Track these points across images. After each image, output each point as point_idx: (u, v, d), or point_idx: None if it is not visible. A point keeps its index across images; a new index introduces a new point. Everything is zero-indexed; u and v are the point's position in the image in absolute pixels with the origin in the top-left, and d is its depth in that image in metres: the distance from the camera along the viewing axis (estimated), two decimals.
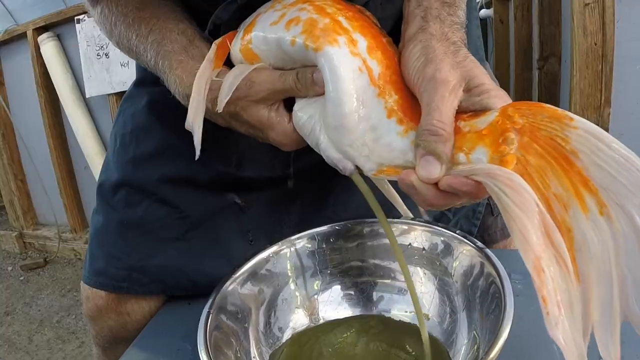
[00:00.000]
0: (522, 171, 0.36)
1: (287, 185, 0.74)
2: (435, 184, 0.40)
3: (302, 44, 0.46)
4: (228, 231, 0.74)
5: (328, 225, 0.62)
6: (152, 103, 0.73)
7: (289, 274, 0.60)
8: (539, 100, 1.93)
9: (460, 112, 0.42)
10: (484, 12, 2.61)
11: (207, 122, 0.53)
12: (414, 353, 0.53)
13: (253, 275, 0.58)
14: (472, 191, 0.39)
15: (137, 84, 0.77)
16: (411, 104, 0.44)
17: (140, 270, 0.74)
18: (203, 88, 0.51)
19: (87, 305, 0.79)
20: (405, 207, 0.57)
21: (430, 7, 0.48)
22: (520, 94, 2.15)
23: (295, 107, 0.50)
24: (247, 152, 0.71)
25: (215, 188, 0.73)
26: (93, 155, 2.40)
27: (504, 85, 2.41)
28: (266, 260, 0.59)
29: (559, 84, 1.88)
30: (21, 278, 2.62)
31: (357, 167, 0.47)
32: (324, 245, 0.61)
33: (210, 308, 0.51)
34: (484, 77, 0.42)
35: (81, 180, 2.64)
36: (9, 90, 2.68)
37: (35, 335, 2.09)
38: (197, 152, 0.50)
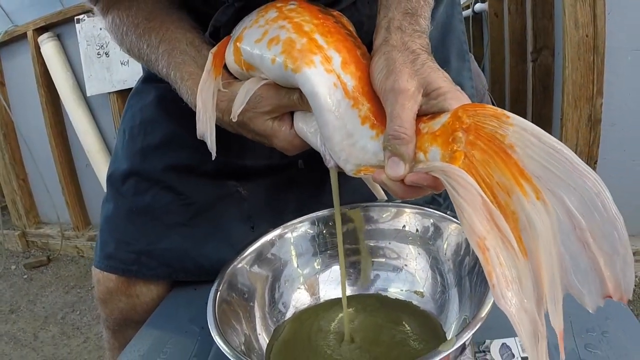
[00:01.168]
0: (469, 165, 0.40)
1: (285, 173, 0.78)
2: (402, 180, 0.45)
3: (281, 64, 0.51)
4: (230, 217, 0.78)
5: (327, 210, 0.65)
6: (160, 98, 0.77)
7: (292, 256, 0.64)
8: (533, 92, 1.96)
9: (422, 114, 0.46)
10: (479, 6, 2.63)
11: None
12: (408, 327, 0.56)
13: (259, 257, 0.62)
14: (432, 185, 0.44)
15: (145, 80, 0.82)
16: (382, 110, 0.49)
17: (148, 254, 0.78)
18: (210, 100, 0.57)
19: (99, 289, 0.83)
20: (381, 191, 0.62)
21: (393, 18, 0.52)
22: (515, 86, 2.18)
23: (295, 118, 0.56)
24: (248, 142, 0.75)
25: (217, 176, 0.77)
26: (94, 152, 2.43)
27: (499, 78, 2.44)
28: (271, 243, 0.63)
29: (552, 76, 1.91)
30: (25, 276, 2.64)
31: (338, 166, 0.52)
32: (324, 229, 0.65)
33: (218, 285, 0.55)
34: (440, 81, 0.46)
35: (83, 178, 2.67)
36: (10, 91, 2.70)
37: (40, 331, 2.11)
38: (214, 156, 0.56)
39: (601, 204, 0.36)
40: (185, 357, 0.64)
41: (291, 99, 0.54)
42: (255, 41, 0.55)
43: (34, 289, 2.50)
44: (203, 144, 0.68)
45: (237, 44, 0.57)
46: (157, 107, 0.78)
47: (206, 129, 0.56)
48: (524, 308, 0.37)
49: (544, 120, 1.94)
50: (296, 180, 0.79)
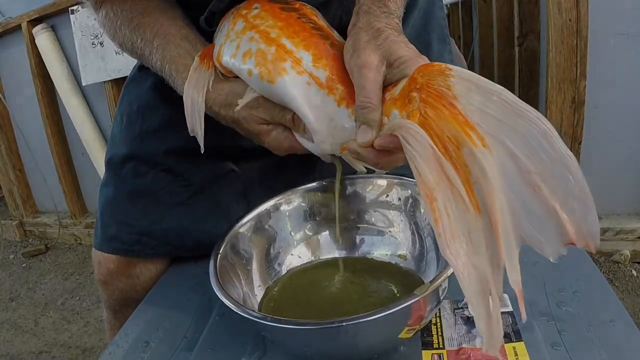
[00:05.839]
0: (423, 122, 0.42)
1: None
2: (372, 147, 0.49)
3: (257, 76, 0.56)
4: (227, 195, 0.81)
5: (316, 182, 0.70)
6: (157, 84, 0.79)
7: (287, 223, 0.69)
8: (519, 76, 2.00)
9: (388, 84, 0.50)
10: None
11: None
12: (390, 285, 0.61)
13: (258, 225, 0.67)
14: (399, 146, 0.45)
15: (140, 68, 0.84)
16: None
17: (149, 234, 0.81)
18: (199, 93, 0.61)
19: (99, 270, 0.86)
20: (360, 164, 0.65)
21: (363, 3, 0.56)
22: (503, 70, 2.21)
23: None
24: None
25: (214, 157, 0.80)
26: (90, 141, 2.45)
27: (488, 61, 2.47)
28: (267, 214, 0.69)
29: (538, 60, 1.94)
30: (23, 265, 2.66)
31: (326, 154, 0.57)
32: (314, 199, 0.70)
33: (219, 248, 0.60)
34: (401, 51, 0.50)
35: (79, 166, 2.69)
36: (5, 82, 2.71)
37: (41, 317, 2.14)
38: (202, 149, 0.62)
39: (548, 144, 0.35)
40: (187, 323, 0.68)
41: (285, 118, 0.58)
42: (232, 56, 0.59)
43: (33, 277, 2.52)
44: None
45: (219, 60, 0.61)
46: (154, 93, 0.80)
47: (195, 123, 0.61)
48: (473, 263, 0.36)
49: (530, 102, 1.95)
50: (287, 160, 0.82)
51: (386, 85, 0.50)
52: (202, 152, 0.61)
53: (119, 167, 0.83)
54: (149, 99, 0.81)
